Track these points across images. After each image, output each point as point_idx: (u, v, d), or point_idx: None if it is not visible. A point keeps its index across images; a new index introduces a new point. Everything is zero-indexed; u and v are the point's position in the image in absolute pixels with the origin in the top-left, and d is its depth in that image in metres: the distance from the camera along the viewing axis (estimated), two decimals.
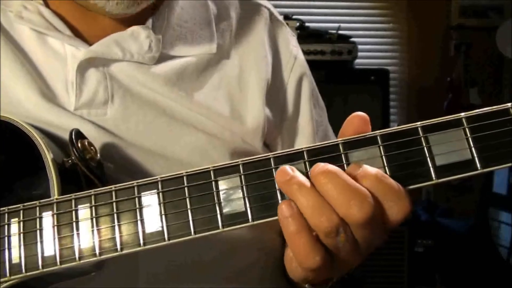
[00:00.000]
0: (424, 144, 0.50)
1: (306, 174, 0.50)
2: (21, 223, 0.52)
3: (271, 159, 0.51)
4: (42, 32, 0.66)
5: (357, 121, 0.52)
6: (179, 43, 0.71)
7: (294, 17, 2.61)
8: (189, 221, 0.50)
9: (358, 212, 0.47)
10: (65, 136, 0.57)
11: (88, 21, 0.68)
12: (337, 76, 2.43)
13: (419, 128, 0.50)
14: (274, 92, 0.76)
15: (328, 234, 0.49)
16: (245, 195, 0.50)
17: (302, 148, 0.51)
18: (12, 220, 0.53)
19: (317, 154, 0.50)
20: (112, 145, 0.65)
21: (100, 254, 0.51)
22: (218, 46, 0.73)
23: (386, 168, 0.50)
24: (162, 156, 0.67)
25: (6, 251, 0.52)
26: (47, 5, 0.67)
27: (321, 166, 0.49)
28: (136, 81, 0.68)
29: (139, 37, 0.67)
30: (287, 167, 0.50)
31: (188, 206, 0.50)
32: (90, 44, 0.67)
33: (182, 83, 0.70)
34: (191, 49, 0.72)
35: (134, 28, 0.68)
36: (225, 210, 0.50)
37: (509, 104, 0.49)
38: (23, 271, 0.51)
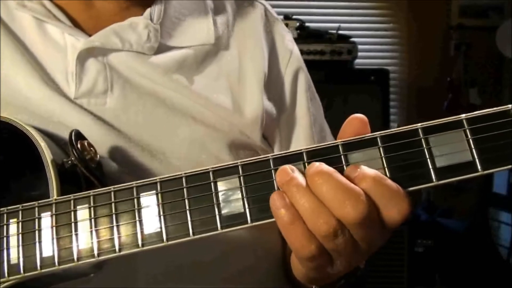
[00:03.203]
0: (424, 146, 0.49)
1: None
2: (20, 224, 0.52)
3: (270, 160, 0.51)
4: (43, 20, 0.67)
5: (356, 123, 0.52)
6: (178, 33, 0.72)
7: (294, 17, 2.61)
8: (187, 222, 0.50)
9: (353, 211, 0.47)
10: (65, 133, 0.58)
11: (88, 12, 0.69)
12: (337, 76, 2.43)
13: (419, 130, 0.50)
14: (271, 85, 0.77)
15: (326, 237, 0.49)
16: (244, 196, 0.50)
17: (301, 150, 0.51)
18: (11, 220, 0.52)
19: (316, 155, 0.50)
20: (111, 136, 0.65)
21: (99, 255, 0.51)
22: (216, 38, 0.74)
23: (386, 169, 0.50)
24: (161, 148, 0.67)
25: (5, 251, 0.52)
26: None
27: (316, 166, 0.49)
28: (135, 71, 0.69)
29: (137, 27, 0.68)
30: (287, 167, 0.49)
31: (187, 207, 0.50)
32: (90, 35, 0.67)
33: (181, 73, 0.71)
34: (190, 40, 0.72)
35: (133, 18, 0.69)
36: (224, 211, 0.50)
37: (509, 106, 0.49)
38: (22, 271, 0.51)
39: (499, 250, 2.70)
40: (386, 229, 0.50)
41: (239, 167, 0.51)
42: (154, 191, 0.51)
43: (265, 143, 0.76)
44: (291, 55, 0.80)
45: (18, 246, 0.52)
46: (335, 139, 0.52)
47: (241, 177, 0.50)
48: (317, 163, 0.49)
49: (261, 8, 0.81)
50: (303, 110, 0.80)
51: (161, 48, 0.70)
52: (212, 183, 0.51)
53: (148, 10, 0.70)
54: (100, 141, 0.63)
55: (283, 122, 0.78)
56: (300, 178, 0.49)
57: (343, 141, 0.51)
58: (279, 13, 0.85)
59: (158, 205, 0.51)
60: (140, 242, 0.50)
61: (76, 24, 0.68)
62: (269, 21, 0.81)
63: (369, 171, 0.49)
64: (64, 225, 0.52)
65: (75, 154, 0.56)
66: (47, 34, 0.68)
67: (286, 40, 0.81)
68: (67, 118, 0.64)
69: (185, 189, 0.51)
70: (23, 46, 0.67)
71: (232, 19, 0.77)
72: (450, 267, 2.56)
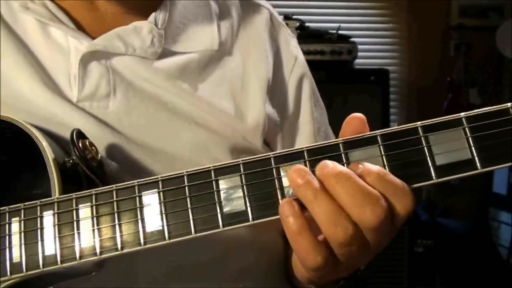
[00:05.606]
0: (424, 144, 0.50)
1: None
2: (22, 222, 0.52)
3: (272, 159, 0.51)
4: (46, 23, 0.67)
5: (355, 122, 0.52)
6: (182, 39, 0.72)
7: (294, 17, 2.61)
8: (189, 220, 0.50)
9: (372, 216, 0.47)
10: (67, 134, 0.58)
11: (92, 15, 0.69)
12: (337, 76, 2.43)
13: (419, 128, 0.50)
14: (275, 91, 0.77)
15: (341, 244, 0.48)
16: (246, 194, 0.50)
17: (302, 148, 0.51)
18: (13, 219, 0.53)
19: (317, 154, 0.50)
20: (113, 140, 0.65)
21: (101, 253, 0.51)
22: (220, 44, 0.74)
23: (386, 167, 0.50)
24: (163, 151, 0.67)
25: (7, 250, 0.52)
26: None
27: (331, 168, 0.48)
28: (138, 75, 0.69)
29: (141, 32, 0.68)
30: (302, 168, 0.49)
31: (189, 205, 0.50)
32: (93, 38, 0.67)
33: (184, 78, 0.71)
34: (193, 45, 0.72)
35: (137, 23, 0.68)
36: (225, 209, 0.50)
37: (509, 104, 0.49)
38: (24, 270, 0.51)
39: (499, 250, 2.70)
40: (394, 227, 0.50)
41: (240, 165, 0.51)
42: (155, 190, 0.51)
43: (267, 149, 0.75)
44: (295, 61, 0.80)
45: (20, 245, 0.52)
46: None
47: (243, 175, 0.51)
48: (329, 163, 0.49)
49: (267, 13, 0.80)
50: (307, 117, 0.80)
51: (165, 53, 0.70)
52: (213, 181, 0.51)
53: (153, 15, 0.69)
54: (102, 144, 0.64)
55: (286, 128, 0.78)
56: (316, 183, 0.48)
57: (344, 140, 0.51)
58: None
59: (159, 203, 0.51)
60: (142, 240, 0.50)
61: (80, 27, 0.68)
62: (274, 26, 0.80)
63: (373, 167, 0.49)
64: (66, 224, 0.52)
65: (77, 153, 0.56)
66: (51, 36, 0.67)
67: (291, 46, 0.81)
68: (69, 121, 0.64)
69: (186, 188, 0.51)
70: (25, 48, 0.67)
71: (236, 24, 0.77)
72: (450, 267, 2.56)
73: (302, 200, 0.49)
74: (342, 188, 0.47)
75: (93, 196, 0.52)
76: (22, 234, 0.52)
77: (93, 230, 0.51)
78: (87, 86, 0.66)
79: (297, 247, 0.49)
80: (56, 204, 0.52)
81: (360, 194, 0.47)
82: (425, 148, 0.50)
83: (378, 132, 0.51)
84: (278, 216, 0.50)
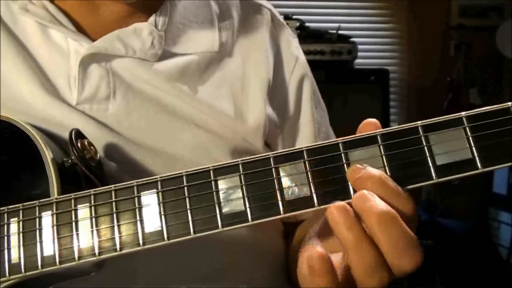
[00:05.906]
0: (424, 143, 0.49)
1: (306, 174, 0.50)
2: (21, 223, 0.52)
3: (271, 159, 0.50)
4: (46, 25, 0.67)
5: (369, 128, 0.51)
6: (182, 40, 0.72)
7: (294, 17, 2.61)
8: (188, 220, 0.50)
9: (409, 264, 0.47)
10: (66, 134, 0.57)
11: (92, 17, 0.69)
12: (337, 76, 2.43)
13: (419, 127, 0.50)
14: (275, 92, 0.76)
15: None
16: (245, 194, 0.50)
17: (302, 148, 0.50)
18: (12, 219, 0.52)
19: (317, 154, 0.50)
20: (113, 141, 0.65)
21: (100, 254, 0.50)
22: (221, 45, 0.74)
23: (386, 167, 0.49)
24: (163, 153, 0.67)
25: (6, 251, 0.52)
26: (51, 1, 0.68)
27: (373, 204, 0.46)
28: (138, 77, 0.68)
29: (141, 34, 0.68)
30: (344, 206, 0.47)
31: (188, 206, 0.50)
32: (93, 40, 0.67)
33: (184, 80, 0.70)
34: (194, 47, 0.72)
35: (137, 24, 0.68)
36: (224, 210, 0.50)
37: (509, 103, 0.49)
38: (23, 271, 0.51)
39: (499, 250, 2.70)
40: None
41: (240, 165, 0.50)
42: (154, 190, 0.51)
43: (268, 151, 0.75)
44: (296, 61, 0.80)
45: (19, 246, 0.52)
46: None
47: (242, 176, 0.50)
48: (369, 195, 0.47)
49: (268, 13, 0.80)
50: (307, 118, 0.80)
51: (165, 55, 0.70)
52: (212, 182, 0.50)
53: (153, 16, 0.69)
54: (102, 145, 0.63)
55: (287, 129, 0.78)
56: (358, 227, 0.46)
57: (343, 139, 0.50)
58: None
59: (158, 203, 0.50)
60: (141, 241, 0.50)
61: (80, 29, 0.68)
62: (276, 27, 0.80)
63: (375, 171, 0.48)
64: (65, 224, 0.51)
65: (75, 153, 0.56)
66: (51, 38, 0.67)
67: (292, 46, 0.81)
68: (68, 122, 0.64)
69: (185, 188, 0.50)
70: (25, 50, 0.67)
71: (237, 25, 0.77)
72: (450, 267, 2.55)
73: (338, 238, 0.47)
74: (384, 234, 0.46)
75: (92, 196, 0.52)
76: (21, 234, 0.52)
77: (92, 230, 0.51)
78: (87, 89, 0.66)
79: None
80: (54, 204, 0.52)
81: (403, 241, 0.46)
82: (426, 147, 0.49)
83: (378, 131, 0.50)
84: (277, 217, 0.49)
